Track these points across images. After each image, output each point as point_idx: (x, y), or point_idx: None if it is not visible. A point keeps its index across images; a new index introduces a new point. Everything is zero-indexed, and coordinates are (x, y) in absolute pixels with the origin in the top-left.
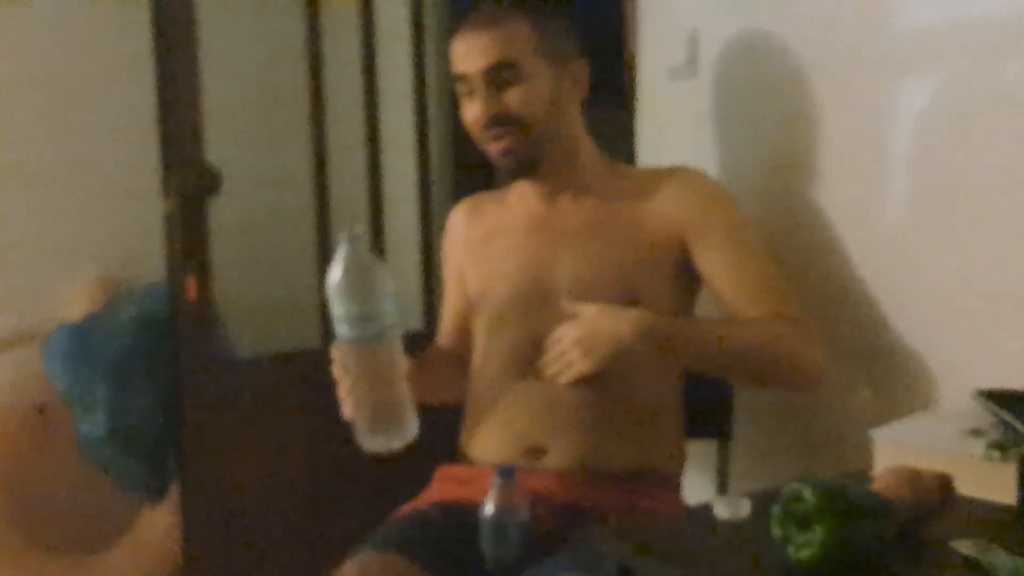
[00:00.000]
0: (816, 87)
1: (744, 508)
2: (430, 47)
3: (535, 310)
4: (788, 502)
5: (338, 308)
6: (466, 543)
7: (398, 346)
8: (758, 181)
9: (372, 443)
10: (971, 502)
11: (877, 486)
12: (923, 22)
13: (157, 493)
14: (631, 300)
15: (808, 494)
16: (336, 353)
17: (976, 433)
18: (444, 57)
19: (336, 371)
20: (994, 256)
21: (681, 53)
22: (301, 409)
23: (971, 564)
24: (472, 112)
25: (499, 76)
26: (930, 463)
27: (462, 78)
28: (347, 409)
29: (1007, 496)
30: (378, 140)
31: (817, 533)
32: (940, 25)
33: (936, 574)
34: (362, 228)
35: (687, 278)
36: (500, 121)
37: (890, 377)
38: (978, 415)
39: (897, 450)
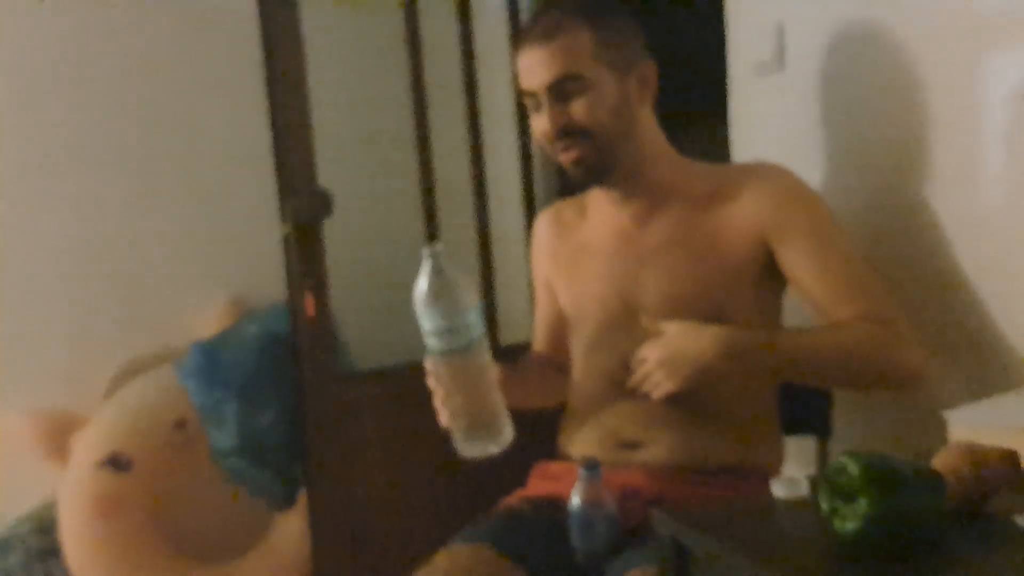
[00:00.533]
0: (905, 75)
1: (803, 487)
2: None
3: (625, 330)
4: (833, 475)
5: (425, 322)
6: (556, 536)
7: (486, 355)
8: (849, 174)
9: (469, 450)
10: None
11: (935, 462)
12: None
13: (287, 501)
14: (716, 314)
15: (852, 466)
16: (428, 365)
17: None
18: None
19: (430, 383)
20: None
21: (768, 47)
22: (417, 417)
23: None
24: (540, 126)
25: (563, 88)
26: (1001, 441)
27: (528, 94)
28: (443, 418)
29: None
30: (482, 156)
31: (861, 505)
32: None
33: (996, 548)
34: (441, 244)
35: (773, 282)
36: (568, 132)
37: (989, 364)
38: None
39: (968, 429)
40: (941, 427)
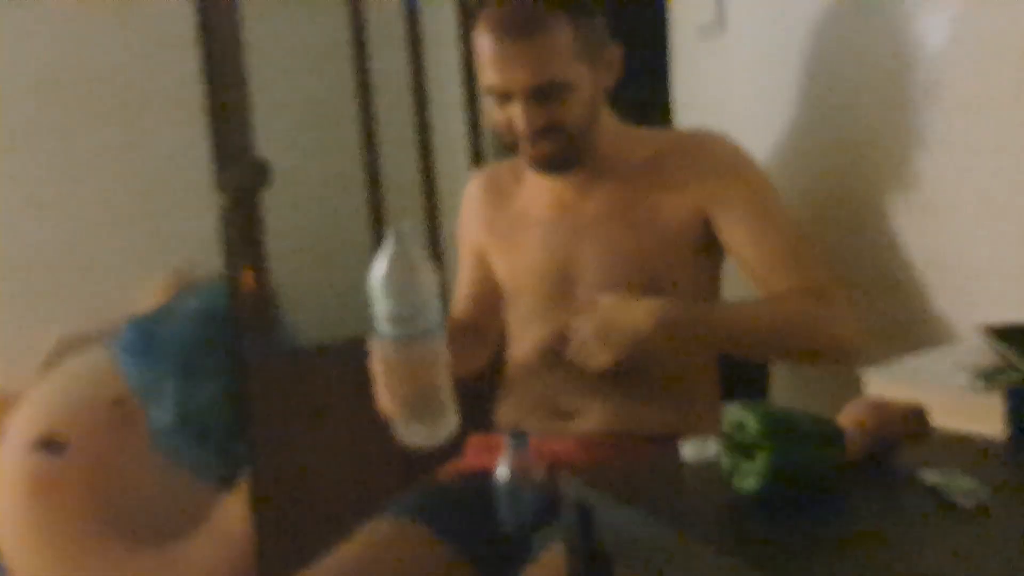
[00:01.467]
0: (846, 37)
1: (711, 449)
2: None
3: (563, 303)
4: (733, 431)
5: (382, 306)
6: (484, 508)
7: (442, 343)
8: (790, 137)
9: (412, 437)
10: (953, 435)
11: (842, 416)
12: None
13: (229, 481)
14: (654, 285)
15: (751, 421)
16: (376, 349)
17: (968, 368)
18: None
19: (374, 366)
20: None
21: (709, 10)
22: (361, 394)
23: (932, 491)
24: (511, 122)
25: (544, 91)
26: (916, 397)
27: (499, 92)
28: (385, 404)
29: (994, 429)
30: (428, 126)
31: (760, 461)
32: None
33: (897, 500)
34: (410, 223)
35: (711, 253)
36: (544, 132)
37: (911, 323)
38: (981, 352)
39: (885, 385)
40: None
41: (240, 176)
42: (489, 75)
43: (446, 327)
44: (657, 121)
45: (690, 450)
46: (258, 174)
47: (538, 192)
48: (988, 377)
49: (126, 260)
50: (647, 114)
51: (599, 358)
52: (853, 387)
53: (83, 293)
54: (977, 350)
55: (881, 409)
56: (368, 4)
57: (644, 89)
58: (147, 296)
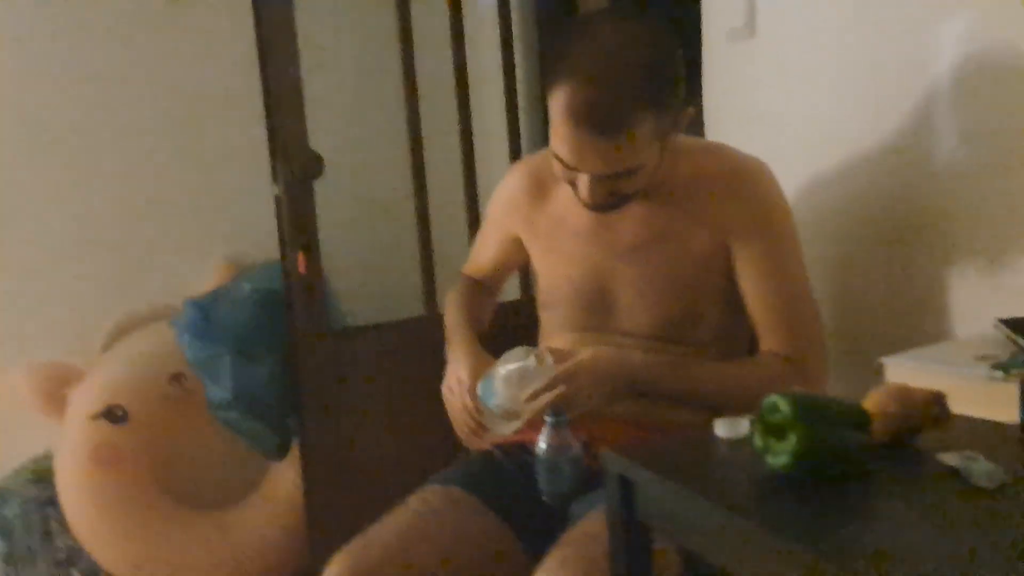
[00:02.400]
0: (872, 41)
1: (743, 427)
2: (517, 31)
3: (598, 318)
4: (766, 414)
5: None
6: (524, 478)
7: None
8: (816, 140)
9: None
10: (972, 421)
11: (866, 402)
12: None
13: (281, 452)
14: (689, 313)
15: (783, 405)
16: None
17: (986, 358)
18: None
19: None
20: None
21: (740, 14)
22: (405, 371)
23: (951, 472)
24: (575, 185)
25: (614, 176)
26: (935, 385)
27: (568, 167)
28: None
29: (1010, 416)
30: (470, 120)
31: (791, 441)
32: None
33: (918, 480)
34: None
35: (737, 286)
36: (604, 199)
37: (923, 318)
38: (997, 344)
39: (905, 374)
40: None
41: (295, 167)
42: (562, 150)
43: (463, 283)
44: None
45: (723, 428)
46: (312, 165)
47: (575, 199)
48: (1006, 368)
49: (187, 246)
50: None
51: (590, 403)
52: (873, 375)
53: (144, 277)
54: (989, 342)
55: (904, 395)
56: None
57: None
58: (206, 279)
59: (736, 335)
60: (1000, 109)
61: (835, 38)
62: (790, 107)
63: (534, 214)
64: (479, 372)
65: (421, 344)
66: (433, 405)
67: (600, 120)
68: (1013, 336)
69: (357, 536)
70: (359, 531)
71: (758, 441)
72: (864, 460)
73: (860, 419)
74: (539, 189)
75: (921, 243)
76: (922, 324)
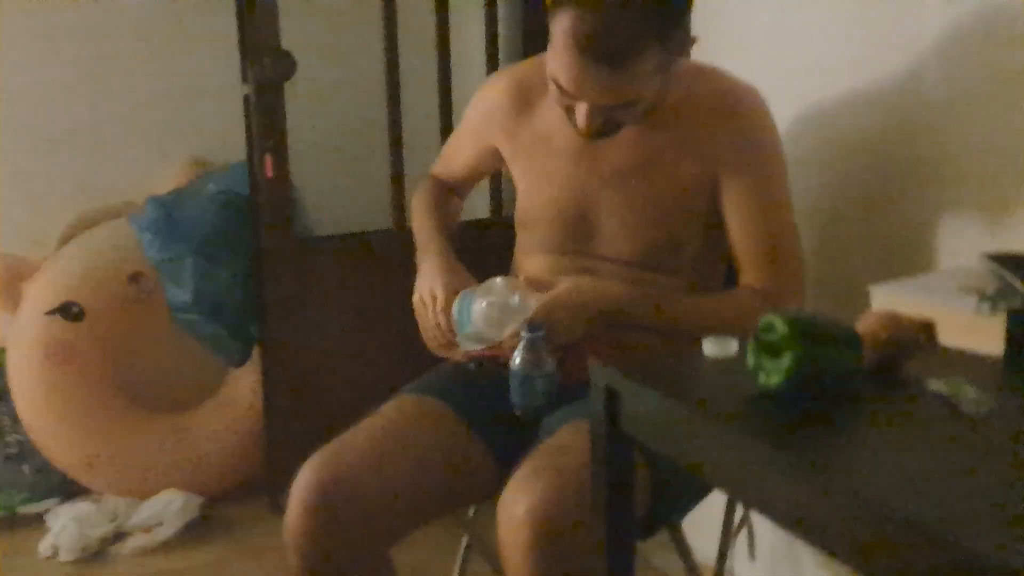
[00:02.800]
0: None
1: (731, 347)
2: None
3: (578, 241)
4: (762, 332)
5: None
6: (497, 391)
7: None
8: (801, 78)
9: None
10: (958, 352)
11: (857, 326)
12: None
13: (241, 358)
14: (671, 242)
15: (779, 324)
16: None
17: (972, 291)
18: None
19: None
20: None
21: None
22: (370, 283)
23: (941, 398)
24: (571, 111)
25: (613, 106)
26: (917, 312)
27: (567, 94)
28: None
29: (995, 349)
30: (447, 31)
31: (785, 361)
32: None
33: (905, 404)
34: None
35: (721, 214)
36: (600, 127)
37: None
38: (982, 277)
39: (893, 302)
40: (865, 303)
41: (266, 67)
42: (561, 76)
43: (434, 184)
44: None
45: (711, 347)
46: (283, 66)
47: (563, 117)
48: (994, 300)
49: (150, 143)
50: None
51: (570, 336)
52: (861, 301)
53: (105, 172)
54: (974, 275)
55: (895, 320)
56: None
57: None
58: (167, 179)
59: (713, 263)
60: (994, 42)
61: None
62: (781, 35)
63: (517, 128)
64: (454, 289)
65: (388, 258)
66: (399, 317)
67: (606, 49)
68: (999, 270)
69: (331, 442)
70: (317, 439)
71: (751, 359)
72: (853, 383)
73: (853, 341)
74: (525, 102)
75: (912, 175)
76: (909, 254)
